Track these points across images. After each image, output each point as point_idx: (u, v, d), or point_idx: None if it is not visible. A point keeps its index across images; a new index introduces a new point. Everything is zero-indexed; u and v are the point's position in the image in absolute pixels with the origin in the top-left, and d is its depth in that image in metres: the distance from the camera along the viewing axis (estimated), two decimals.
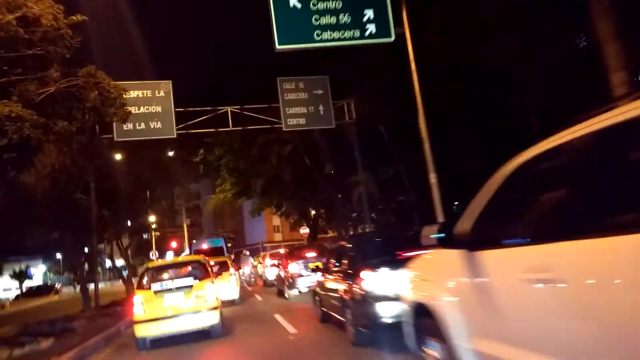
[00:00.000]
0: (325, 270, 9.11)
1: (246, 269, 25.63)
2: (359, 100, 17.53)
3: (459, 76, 14.65)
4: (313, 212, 41.01)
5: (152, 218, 42.40)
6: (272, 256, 22.37)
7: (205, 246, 23.87)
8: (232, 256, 26.47)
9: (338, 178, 22.29)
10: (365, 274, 6.24)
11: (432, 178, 12.03)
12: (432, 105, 12.92)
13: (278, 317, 11.15)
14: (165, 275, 10.41)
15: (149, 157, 21.27)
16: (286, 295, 14.59)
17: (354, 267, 6.84)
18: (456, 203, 27.84)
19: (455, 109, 15.39)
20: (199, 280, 9.40)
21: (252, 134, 24.72)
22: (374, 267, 6.23)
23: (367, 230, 19.76)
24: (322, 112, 17.25)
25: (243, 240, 65.68)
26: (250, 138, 25.92)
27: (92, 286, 19.79)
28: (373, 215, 26.78)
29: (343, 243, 8.80)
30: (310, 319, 10.05)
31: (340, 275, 7.50)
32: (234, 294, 15.66)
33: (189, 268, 10.71)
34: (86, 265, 22.32)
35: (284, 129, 17.32)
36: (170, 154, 27.04)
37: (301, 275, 14.09)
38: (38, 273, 64.69)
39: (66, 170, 16.41)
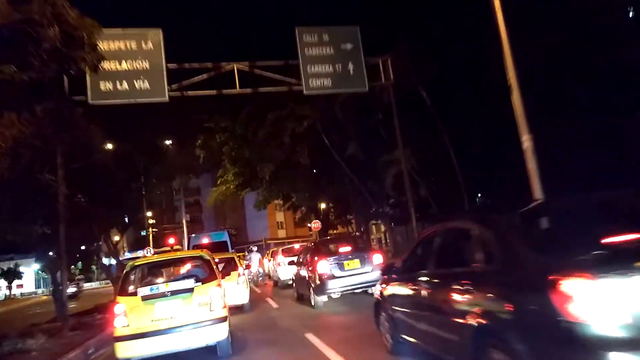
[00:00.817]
0: (399, 272, 5.66)
1: (253, 267, 22.13)
2: (397, 57, 14.02)
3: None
4: (323, 206, 37.60)
5: (148, 213, 38.88)
6: (286, 252, 18.94)
7: (206, 241, 20.24)
8: (245, 253, 23.06)
9: (363, 160, 18.83)
10: (569, 285, 2.77)
11: (526, 141, 8.59)
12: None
13: (311, 337, 7.74)
14: (157, 277, 8.75)
15: (139, 136, 17.75)
16: (312, 302, 11.16)
17: (514, 270, 3.35)
18: (479, 195, 24.49)
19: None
20: (202, 282, 7.22)
21: (259, 113, 21.38)
22: (585, 269, 2.78)
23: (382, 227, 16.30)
24: (351, 72, 13.77)
25: (245, 237, 62.16)
26: (257, 118, 22.54)
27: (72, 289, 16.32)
28: (388, 209, 23.46)
29: (464, 225, 4.44)
30: (367, 344, 6.64)
31: (459, 285, 4.01)
32: (243, 298, 12.34)
33: (189, 266, 8.92)
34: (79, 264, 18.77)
35: (304, 93, 13.79)
36: (168, 142, 23.47)
37: (334, 277, 10.69)
38: (30, 272, 61.34)
39: (30, 144, 12.87)
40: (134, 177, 20.04)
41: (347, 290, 10.72)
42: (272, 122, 19.77)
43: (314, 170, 21.41)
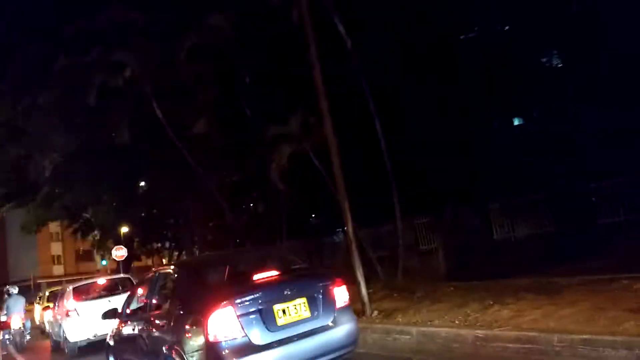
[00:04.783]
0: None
1: (14, 321, 13.11)
2: None
3: None
4: (125, 230, 28.49)
5: None
6: (81, 293, 11.05)
7: None
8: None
9: (220, 143, 12.34)
10: None
11: None
12: None
13: None
14: None
15: None
16: None
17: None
18: (313, 216, 20.77)
19: None
20: None
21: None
22: None
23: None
24: None
25: (5, 276, 46.61)
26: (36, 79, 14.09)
27: None
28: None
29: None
30: None
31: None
32: None
33: None
34: None
35: None
36: None
37: (253, 347, 4.24)
38: None
39: None
40: None
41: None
42: (64, 72, 11.89)
43: (130, 161, 13.86)
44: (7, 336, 13.17)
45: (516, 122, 15.02)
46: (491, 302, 6.38)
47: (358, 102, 10.24)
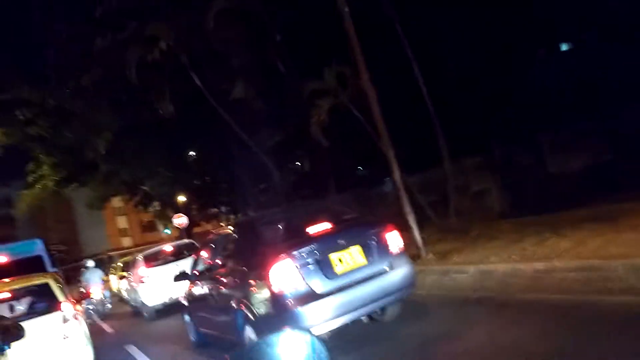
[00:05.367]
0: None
1: (94, 291, 14.23)
2: None
3: None
4: (182, 199, 29.69)
5: None
6: (151, 259, 11.76)
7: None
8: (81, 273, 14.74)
9: (258, 105, 12.44)
10: None
11: None
12: None
13: None
14: None
15: None
16: None
17: None
18: (360, 168, 20.62)
19: None
20: None
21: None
22: None
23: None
24: None
25: (78, 252, 50.00)
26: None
27: None
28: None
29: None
30: None
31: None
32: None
33: None
34: None
35: None
36: None
37: (314, 295, 4.50)
38: None
39: None
40: None
41: (352, 317, 4.62)
42: (103, 52, 12.23)
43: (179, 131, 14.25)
44: (90, 306, 14.24)
45: (564, 47, 14.11)
46: (548, 235, 6.30)
47: (393, 48, 9.96)
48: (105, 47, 12.52)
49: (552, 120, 10.91)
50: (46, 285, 6.03)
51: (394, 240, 5.02)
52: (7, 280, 6.44)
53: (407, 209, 7.82)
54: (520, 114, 11.31)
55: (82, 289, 14.49)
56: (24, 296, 6.08)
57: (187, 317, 7.01)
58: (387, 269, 4.84)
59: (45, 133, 21.02)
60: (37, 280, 6.24)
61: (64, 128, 19.92)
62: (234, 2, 11.71)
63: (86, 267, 14.91)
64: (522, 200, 9.69)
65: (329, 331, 4.49)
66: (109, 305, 15.02)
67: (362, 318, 5.02)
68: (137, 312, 12.62)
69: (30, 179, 24.72)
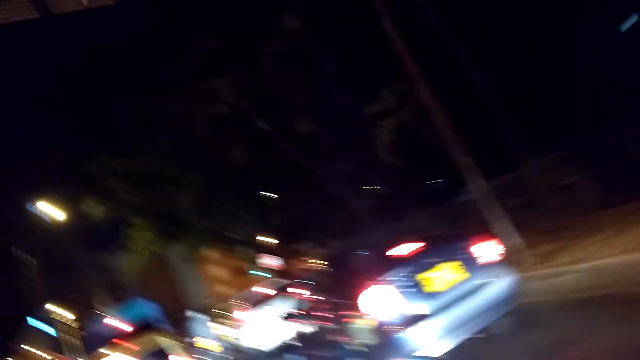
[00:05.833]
0: None
1: (207, 339, 14.61)
2: None
3: None
4: (265, 239, 30.49)
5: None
6: (247, 301, 12.04)
7: (119, 325, 11.95)
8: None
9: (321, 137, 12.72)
10: None
11: None
12: None
13: None
14: None
15: None
16: None
17: None
18: (441, 180, 19.92)
19: None
20: None
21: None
22: None
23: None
24: None
25: (177, 303, 52.26)
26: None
27: None
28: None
29: None
30: None
31: None
32: None
33: None
34: None
35: None
36: None
37: (419, 315, 4.43)
38: None
39: None
40: None
41: (463, 334, 4.54)
42: (173, 114, 13.14)
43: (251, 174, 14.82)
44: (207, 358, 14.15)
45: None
46: None
47: (446, 56, 9.89)
48: (175, 108, 13.44)
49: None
50: (169, 345, 6.44)
51: (490, 249, 4.91)
52: (132, 346, 6.94)
53: (497, 215, 7.58)
54: (597, 95, 10.69)
55: (191, 340, 14.83)
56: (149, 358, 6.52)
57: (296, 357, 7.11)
58: (490, 279, 4.73)
59: (138, 199, 22.70)
60: (161, 341, 6.67)
61: (151, 190, 21.42)
62: (284, 42, 12.18)
63: (192, 319, 15.38)
64: (617, 187, 9.02)
65: (447, 352, 4.43)
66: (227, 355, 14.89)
67: (479, 334, 4.89)
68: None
69: (130, 244, 26.63)
